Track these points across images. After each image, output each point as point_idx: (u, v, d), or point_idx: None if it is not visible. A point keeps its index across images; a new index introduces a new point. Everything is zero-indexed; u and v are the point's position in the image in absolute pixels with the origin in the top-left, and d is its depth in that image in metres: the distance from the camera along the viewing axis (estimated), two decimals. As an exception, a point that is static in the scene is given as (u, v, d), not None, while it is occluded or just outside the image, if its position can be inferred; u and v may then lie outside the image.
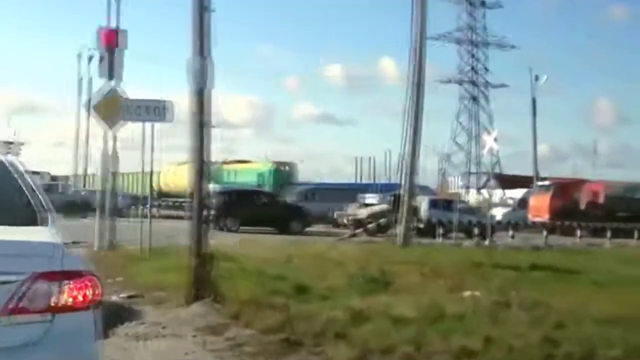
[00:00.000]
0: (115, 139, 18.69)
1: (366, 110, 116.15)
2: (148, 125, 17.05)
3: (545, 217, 44.89)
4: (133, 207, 39.91)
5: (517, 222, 38.08)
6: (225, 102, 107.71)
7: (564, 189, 49.81)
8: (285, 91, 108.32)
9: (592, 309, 10.33)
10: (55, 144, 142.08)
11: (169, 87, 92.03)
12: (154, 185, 53.21)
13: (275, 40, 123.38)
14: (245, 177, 54.67)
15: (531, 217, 44.25)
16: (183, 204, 41.94)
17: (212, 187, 26.09)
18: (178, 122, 17.21)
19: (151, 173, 18.00)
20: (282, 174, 53.81)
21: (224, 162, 58.29)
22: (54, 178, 67.15)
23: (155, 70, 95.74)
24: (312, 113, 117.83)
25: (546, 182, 51.60)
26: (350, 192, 44.17)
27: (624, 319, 9.59)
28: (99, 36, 18.22)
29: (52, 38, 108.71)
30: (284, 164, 55.98)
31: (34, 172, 60.02)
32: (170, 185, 56.78)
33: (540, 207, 48.01)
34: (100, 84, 18.98)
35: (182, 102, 14.57)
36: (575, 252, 24.79)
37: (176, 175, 57.30)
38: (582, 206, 47.37)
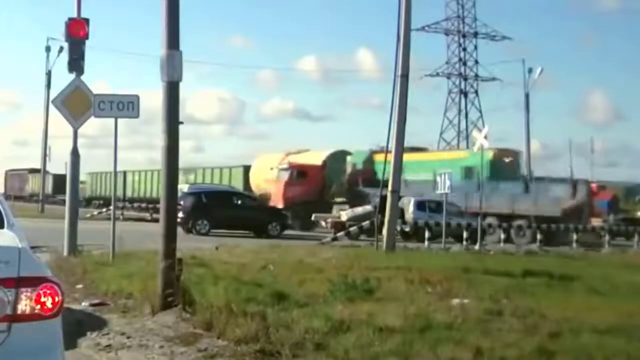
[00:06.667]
0: (76, 134, 18.58)
1: (344, 104, 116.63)
2: (129, 121, 17.05)
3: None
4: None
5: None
6: (193, 97, 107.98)
7: (305, 173, 45.17)
8: (258, 85, 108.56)
9: (589, 317, 10.38)
10: (17, 141, 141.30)
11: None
12: (236, 183, 50.28)
13: (247, 31, 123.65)
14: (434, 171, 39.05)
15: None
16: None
17: (180, 187, 26.04)
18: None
19: (115, 173, 17.84)
20: (504, 168, 41.39)
21: (377, 152, 44.17)
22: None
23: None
24: (286, 108, 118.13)
25: (285, 164, 46.18)
26: None
27: (623, 328, 9.65)
28: (67, 27, 18.10)
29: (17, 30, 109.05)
30: (507, 152, 43.37)
31: (33, 170, 58.88)
32: (263, 186, 48.73)
33: (276, 194, 44.31)
34: (66, 78, 18.80)
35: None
36: (571, 257, 24.93)
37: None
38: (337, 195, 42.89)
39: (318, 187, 44.53)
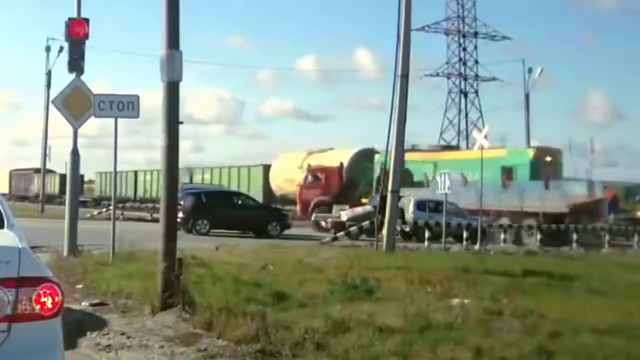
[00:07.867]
0: (76, 134, 18.57)
1: (343, 104, 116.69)
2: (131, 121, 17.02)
3: (297, 209, 41.85)
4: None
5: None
6: (192, 97, 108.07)
7: (321, 174, 44.60)
8: (257, 85, 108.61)
9: (589, 317, 10.38)
10: (17, 141, 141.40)
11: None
12: (252, 183, 49.08)
13: (246, 31, 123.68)
14: (471, 170, 35.34)
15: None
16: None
17: (181, 187, 26.01)
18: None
19: (115, 173, 17.83)
20: (544, 167, 39.80)
21: (406, 150, 39.79)
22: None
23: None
24: (285, 108, 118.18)
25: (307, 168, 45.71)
26: None
27: (623, 328, 9.65)
28: (67, 27, 18.10)
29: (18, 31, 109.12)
30: (547, 151, 41.69)
31: (39, 170, 58.11)
32: (283, 187, 48.13)
33: (295, 196, 44.39)
34: (66, 78, 18.78)
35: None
36: (571, 257, 24.92)
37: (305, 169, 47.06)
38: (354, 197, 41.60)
39: (335, 188, 44.33)
